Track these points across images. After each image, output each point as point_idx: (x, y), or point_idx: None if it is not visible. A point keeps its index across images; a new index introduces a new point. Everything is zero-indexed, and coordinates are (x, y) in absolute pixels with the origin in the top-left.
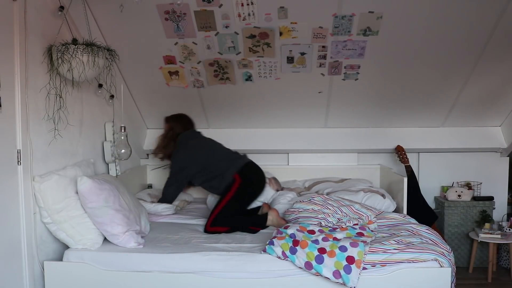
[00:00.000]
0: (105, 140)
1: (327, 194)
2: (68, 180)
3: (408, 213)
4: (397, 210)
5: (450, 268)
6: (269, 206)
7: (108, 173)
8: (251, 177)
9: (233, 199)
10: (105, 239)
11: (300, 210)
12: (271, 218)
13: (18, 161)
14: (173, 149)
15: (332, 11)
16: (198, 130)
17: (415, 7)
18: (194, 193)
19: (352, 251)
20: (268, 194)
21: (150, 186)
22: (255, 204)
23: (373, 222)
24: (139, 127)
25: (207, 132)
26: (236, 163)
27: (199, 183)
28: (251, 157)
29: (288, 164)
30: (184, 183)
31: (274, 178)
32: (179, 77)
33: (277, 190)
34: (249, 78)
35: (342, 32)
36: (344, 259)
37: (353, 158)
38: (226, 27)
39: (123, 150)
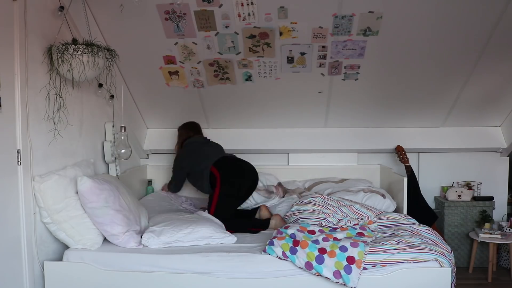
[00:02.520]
0: (105, 140)
1: (328, 194)
2: (68, 180)
3: (408, 213)
4: (397, 210)
5: (450, 268)
6: (267, 208)
7: (108, 173)
8: (231, 167)
9: (222, 194)
10: (105, 239)
11: (300, 211)
12: (274, 222)
13: (18, 161)
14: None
15: (332, 11)
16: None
17: (415, 7)
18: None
19: (353, 251)
20: (273, 200)
21: (150, 182)
22: (251, 201)
23: (373, 222)
24: (139, 127)
25: (207, 132)
26: (211, 159)
27: (193, 184)
28: (251, 157)
29: (288, 164)
30: (181, 182)
31: (280, 184)
32: (179, 77)
33: (282, 197)
34: (249, 78)
35: (342, 32)
36: (345, 259)
37: (353, 158)
38: (226, 27)
39: (123, 150)
